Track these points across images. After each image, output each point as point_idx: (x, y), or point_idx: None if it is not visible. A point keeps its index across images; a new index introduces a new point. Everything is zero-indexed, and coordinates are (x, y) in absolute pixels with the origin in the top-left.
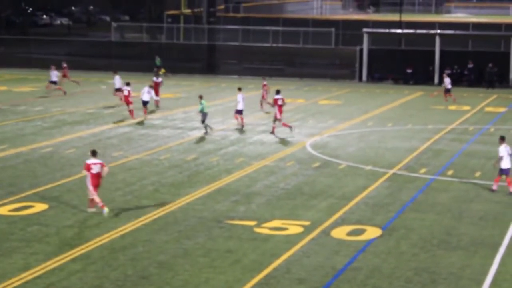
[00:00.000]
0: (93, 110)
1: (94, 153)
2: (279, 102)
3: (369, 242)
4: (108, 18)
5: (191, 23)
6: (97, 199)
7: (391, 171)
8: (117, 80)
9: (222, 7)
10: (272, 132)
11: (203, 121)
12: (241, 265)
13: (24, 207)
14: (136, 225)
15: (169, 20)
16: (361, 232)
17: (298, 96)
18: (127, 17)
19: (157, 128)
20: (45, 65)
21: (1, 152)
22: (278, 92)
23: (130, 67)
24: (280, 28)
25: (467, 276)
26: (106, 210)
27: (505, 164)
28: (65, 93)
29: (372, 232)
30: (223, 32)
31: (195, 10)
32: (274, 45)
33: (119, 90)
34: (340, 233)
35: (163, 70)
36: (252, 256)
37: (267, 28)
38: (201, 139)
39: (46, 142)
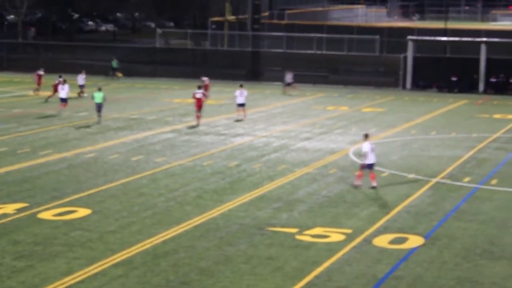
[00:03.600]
0: (136, 116)
1: None
2: (197, 96)
3: (411, 250)
4: (153, 25)
5: (235, 30)
6: None
7: (434, 180)
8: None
9: (266, 13)
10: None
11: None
12: (283, 273)
13: (67, 212)
14: (178, 231)
15: (214, 26)
16: (403, 240)
17: (341, 103)
18: (171, 24)
19: (200, 134)
20: (91, 71)
21: (45, 157)
22: (199, 87)
23: (175, 73)
24: (324, 35)
25: (510, 286)
26: None
27: (369, 160)
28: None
29: (415, 241)
30: (268, 39)
31: (240, 16)
32: (319, 52)
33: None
34: (382, 241)
35: (120, 74)
36: (294, 263)
37: (312, 35)
38: (245, 146)
39: (89, 148)
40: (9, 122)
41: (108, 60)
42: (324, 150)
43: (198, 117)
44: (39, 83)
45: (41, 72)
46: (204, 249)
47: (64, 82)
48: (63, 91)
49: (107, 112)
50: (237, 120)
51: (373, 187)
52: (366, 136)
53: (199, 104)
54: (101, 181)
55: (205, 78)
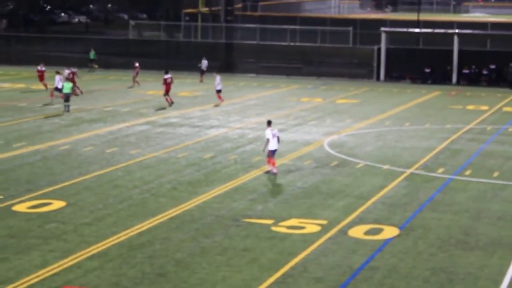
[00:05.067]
0: (110, 108)
1: None
2: (168, 81)
3: (387, 241)
4: (126, 16)
5: (209, 22)
6: None
7: (409, 171)
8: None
9: (239, 5)
10: (170, 104)
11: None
12: (258, 264)
13: (42, 204)
14: (154, 223)
15: (187, 18)
16: (378, 231)
17: (315, 95)
18: (144, 16)
19: (175, 126)
20: (63, 63)
21: (19, 150)
22: (167, 72)
23: (148, 65)
24: (297, 27)
25: (485, 277)
26: None
27: (271, 146)
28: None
29: (390, 232)
30: (241, 31)
31: (213, 8)
32: (292, 43)
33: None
34: (357, 232)
35: (96, 65)
36: (269, 254)
37: (285, 26)
38: (220, 138)
39: (63, 140)
40: None
41: (81, 52)
42: (298, 141)
43: (167, 100)
44: (41, 79)
45: (41, 68)
46: (180, 241)
47: (57, 73)
48: (61, 82)
49: (81, 104)
50: (216, 105)
51: (273, 174)
52: (269, 123)
53: (168, 88)
54: (75, 173)
55: (136, 64)
